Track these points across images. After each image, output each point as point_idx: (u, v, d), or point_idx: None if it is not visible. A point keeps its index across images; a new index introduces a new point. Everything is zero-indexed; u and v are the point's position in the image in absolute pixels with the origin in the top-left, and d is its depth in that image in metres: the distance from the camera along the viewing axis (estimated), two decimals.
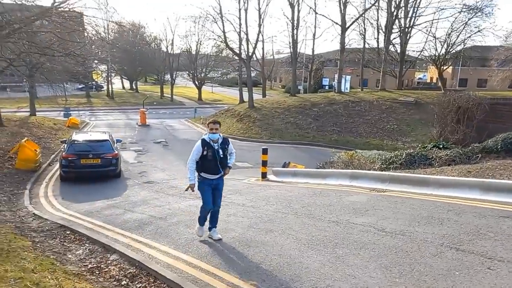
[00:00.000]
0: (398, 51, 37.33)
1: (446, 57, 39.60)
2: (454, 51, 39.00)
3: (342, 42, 33.16)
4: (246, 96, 36.79)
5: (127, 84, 64.31)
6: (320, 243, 5.45)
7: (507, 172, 8.27)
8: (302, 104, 29.44)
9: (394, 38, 36.49)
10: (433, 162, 10.31)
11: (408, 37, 36.62)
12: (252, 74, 42.77)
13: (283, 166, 13.57)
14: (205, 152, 5.41)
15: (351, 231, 5.86)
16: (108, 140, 13.05)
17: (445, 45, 37.50)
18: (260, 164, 12.45)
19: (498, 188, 7.29)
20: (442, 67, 40.01)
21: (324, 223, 6.35)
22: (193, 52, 52.89)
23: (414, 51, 40.89)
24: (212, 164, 5.46)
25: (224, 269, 4.79)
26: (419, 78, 66.68)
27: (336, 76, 35.73)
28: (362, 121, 26.32)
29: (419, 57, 44.50)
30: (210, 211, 5.70)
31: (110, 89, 53.95)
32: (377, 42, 38.05)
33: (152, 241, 6.13)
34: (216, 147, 5.44)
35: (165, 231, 6.54)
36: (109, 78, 54.09)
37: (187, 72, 56.51)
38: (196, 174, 5.60)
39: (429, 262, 4.64)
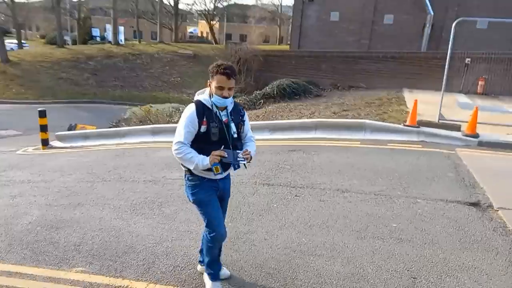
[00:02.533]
0: (172, 4, 37.46)
1: (214, 12, 42.94)
2: (221, 6, 42.47)
3: None
4: None
5: None
6: (143, 206, 5.04)
7: (285, 113, 9.84)
8: (75, 57, 25.99)
9: None
10: None
11: None
12: None
13: (69, 129, 11.73)
14: (203, 128, 2.76)
15: (171, 187, 5.69)
16: None
17: (213, 0, 40.32)
18: (37, 130, 10.41)
19: (282, 127, 8.61)
20: (212, 21, 43.15)
21: (140, 185, 5.91)
22: None
23: (187, 4, 42.25)
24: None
25: (32, 263, 3.77)
26: (191, 32, 69.39)
27: (109, 26, 32.83)
28: (145, 74, 25.61)
29: (190, 10, 46.34)
30: (222, 241, 3.17)
31: None
32: None
33: None
34: (224, 118, 2.84)
35: None
36: None
37: None
38: (185, 171, 2.94)
39: (250, 201, 5.03)
